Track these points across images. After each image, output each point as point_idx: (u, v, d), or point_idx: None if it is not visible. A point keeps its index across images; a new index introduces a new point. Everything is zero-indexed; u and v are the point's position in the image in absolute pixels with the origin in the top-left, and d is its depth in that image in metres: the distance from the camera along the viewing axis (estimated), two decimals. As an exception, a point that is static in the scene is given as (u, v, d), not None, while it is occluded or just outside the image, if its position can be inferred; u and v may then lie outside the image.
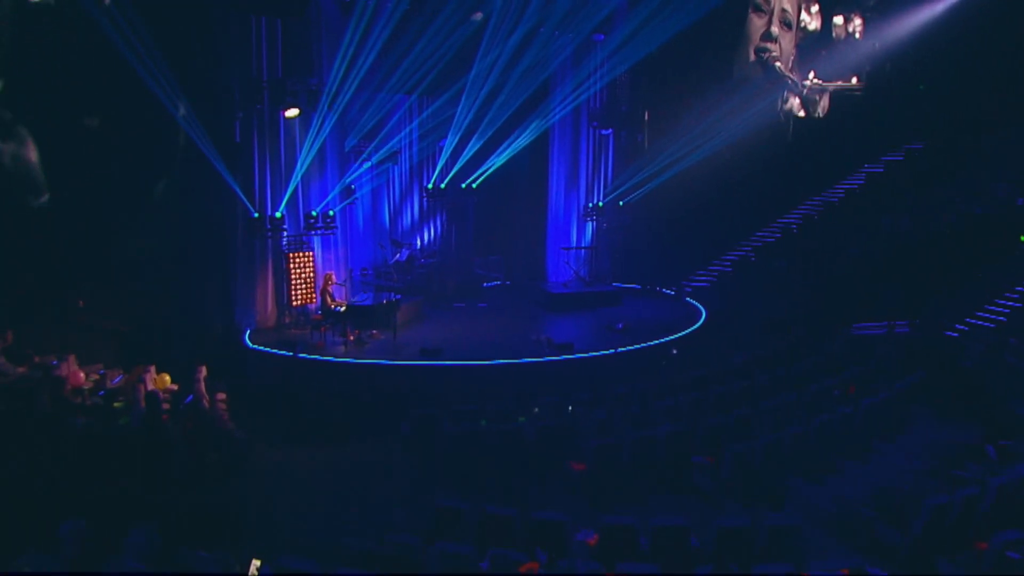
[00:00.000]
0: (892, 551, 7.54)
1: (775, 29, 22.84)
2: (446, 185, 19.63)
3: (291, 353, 13.39)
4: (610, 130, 21.29)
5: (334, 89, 15.07)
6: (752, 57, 22.93)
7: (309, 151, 15.31)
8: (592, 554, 6.79)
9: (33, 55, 12.77)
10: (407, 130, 19.11)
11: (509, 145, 19.35)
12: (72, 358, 11.74)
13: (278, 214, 15.20)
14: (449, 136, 18.52)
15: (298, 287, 15.51)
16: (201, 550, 5.25)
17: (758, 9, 22.65)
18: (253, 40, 14.62)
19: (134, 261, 14.48)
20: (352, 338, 14.24)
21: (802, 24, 23.48)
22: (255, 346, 14.15)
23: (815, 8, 23.58)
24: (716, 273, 22.10)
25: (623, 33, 19.00)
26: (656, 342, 14.89)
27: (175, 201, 14.82)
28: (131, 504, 6.93)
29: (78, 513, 5.05)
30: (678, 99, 22.13)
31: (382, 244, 19.13)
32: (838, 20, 23.83)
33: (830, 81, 24.15)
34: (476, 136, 18.54)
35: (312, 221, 15.78)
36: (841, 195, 24.30)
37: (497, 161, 19.55)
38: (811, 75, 23.86)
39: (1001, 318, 16.48)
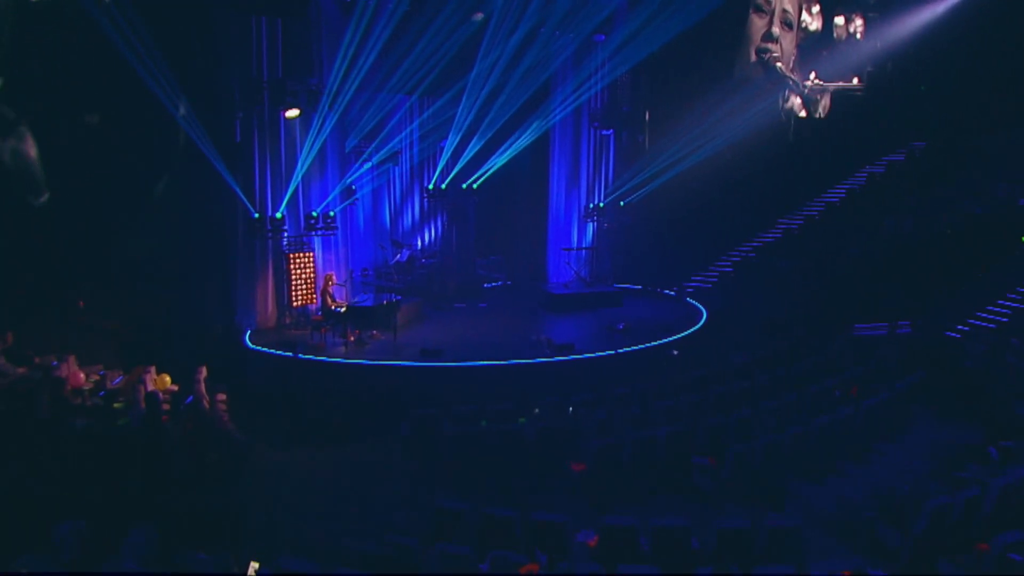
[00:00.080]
0: (893, 552, 7.52)
1: (776, 29, 22.81)
2: (447, 186, 19.61)
3: (291, 354, 13.38)
4: (611, 130, 21.28)
5: (334, 89, 15.07)
6: (753, 57, 22.90)
7: (309, 151, 15.31)
8: (592, 555, 6.77)
9: (33, 55, 12.78)
10: (408, 130, 19.11)
11: (510, 145, 19.34)
12: (72, 359, 11.73)
13: (278, 214, 15.19)
14: (450, 136, 18.51)
15: (298, 288, 15.51)
16: (201, 551, 5.24)
17: (759, 9, 22.62)
18: (253, 40, 14.62)
19: (134, 261, 14.48)
20: (352, 339, 14.23)
21: (803, 24, 23.45)
22: (255, 347, 14.14)
23: (816, 8, 23.55)
24: (717, 274, 22.08)
25: (624, 33, 19.00)
26: (657, 343, 14.88)
27: (175, 201, 14.82)
28: (130, 505, 6.91)
29: (77, 514, 5.04)
30: (679, 99, 22.10)
31: (383, 245, 19.12)
32: (839, 20, 23.80)
33: (831, 81, 24.12)
34: (477, 136, 18.53)
35: (312, 221, 15.77)
36: (842, 195, 24.27)
37: (498, 161, 19.54)
38: (812, 75, 23.83)
39: (1003, 318, 16.44)
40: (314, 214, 15.79)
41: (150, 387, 10.88)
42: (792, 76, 23.30)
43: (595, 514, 7.81)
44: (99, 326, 13.93)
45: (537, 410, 10.85)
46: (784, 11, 22.84)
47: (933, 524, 7.29)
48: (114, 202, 14.24)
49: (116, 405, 10.39)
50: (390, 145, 18.71)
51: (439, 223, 20.61)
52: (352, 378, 13.10)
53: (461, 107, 17.74)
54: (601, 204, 21.28)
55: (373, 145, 18.36)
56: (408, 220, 20.26)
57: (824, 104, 24.22)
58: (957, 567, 6.87)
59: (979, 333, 15.88)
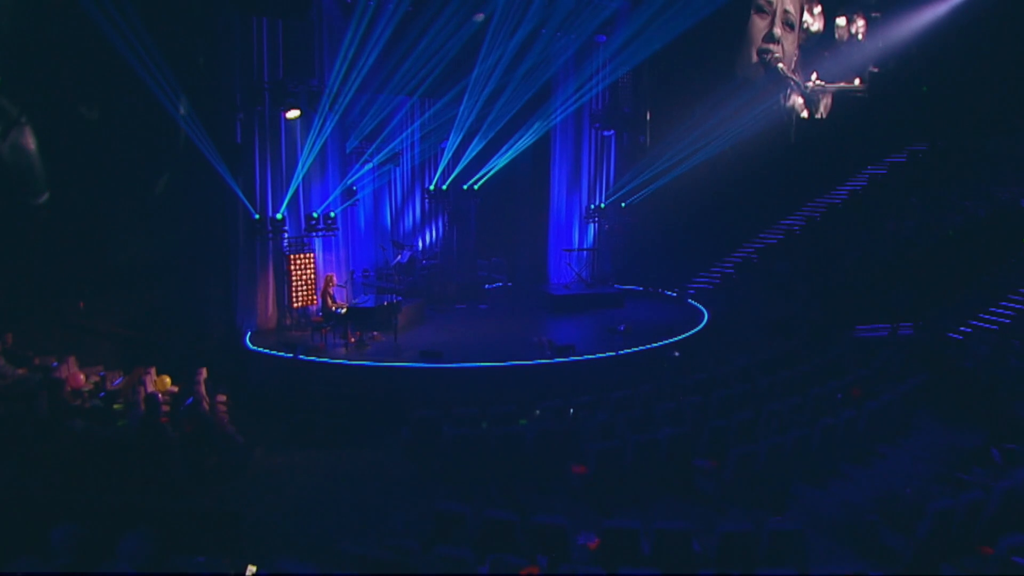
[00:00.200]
0: (896, 556, 7.48)
1: (777, 30, 22.80)
2: (448, 187, 19.60)
3: (292, 355, 13.34)
4: (612, 131, 21.25)
5: (335, 90, 15.06)
6: (754, 58, 22.90)
7: (310, 152, 15.29)
8: (593, 558, 6.75)
9: (32, 55, 12.77)
10: (408, 131, 19.08)
11: (511, 147, 19.33)
12: (72, 360, 11.72)
13: (279, 215, 15.17)
14: (451, 137, 18.49)
15: (299, 289, 15.48)
16: (198, 554, 5.21)
17: (760, 10, 22.62)
18: (254, 41, 14.61)
19: (135, 262, 14.49)
20: (353, 340, 14.20)
21: (805, 25, 23.46)
22: (256, 348, 14.11)
23: (818, 9, 23.57)
24: (718, 275, 22.04)
25: (625, 34, 18.99)
26: (658, 344, 14.83)
27: (176, 202, 14.82)
28: (129, 507, 6.88)
29: (76, 516, 5.01)
30: (680, 100, 22.11)
31: (383, 246, 19.10)
32: (841, 21, 23.81)
33: (833, 82, 24.11)
34: (478, 137, 18.52)
35: (313, 222, 15.75)
36: (844, 197, 24.24)
37: (499, 163, 19.53)
38: (814, 76, 23.83)
39: (1005, 320, 16.39)
40: (315, 215, 15.77)
41: (150, 388, 10.87)
42: (793, 77, 23.29)
43: (596, 517, 7.79)
44: (99, 327, 13.92)
45: (538, 412, 10.81)
46: (786, 12, 22.85)
47: (936, 527, 7.25)
48: (115, 203, 14.24)
49: (116, 406, 10.37)
50: (391, 146, 18.69)
51: (440, 224, 20.59)
52: (352, 379, 13.06)
53: (462, 108, 17.72)
54: (602, 205, 21.25)
55: (374, 146, 18.34)
56: (409, 221, 20.24)
57: (825, 103, 24.22)
58: (960, 570, 6.82)
59: (982, 335, 15.83)
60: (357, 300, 15.34)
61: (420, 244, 20.09)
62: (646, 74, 21.63)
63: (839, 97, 24.44)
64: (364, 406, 12.25)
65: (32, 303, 13.27)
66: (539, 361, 13.49)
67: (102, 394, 11.14)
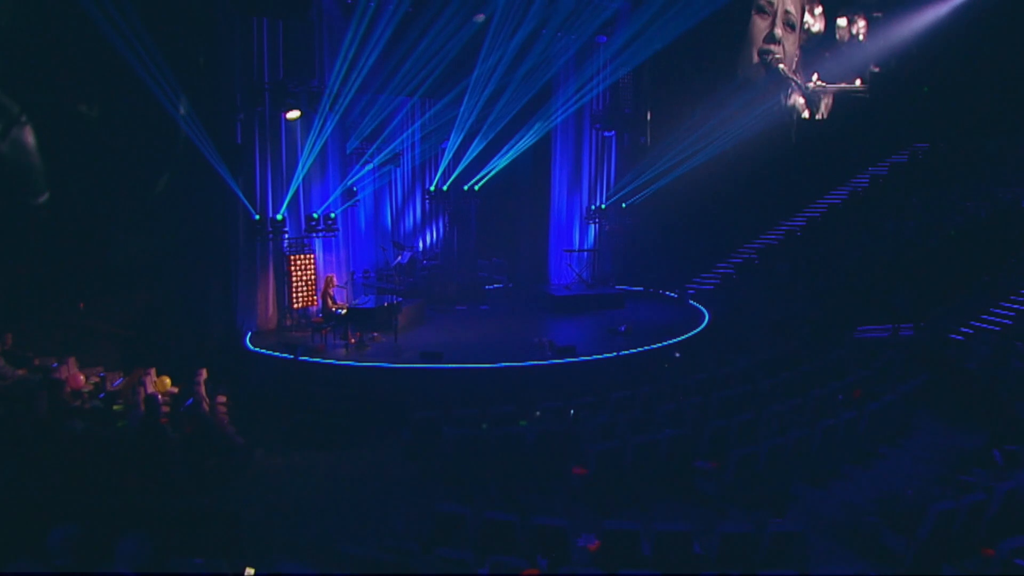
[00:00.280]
0: (897, 557, 7.46)
1: (779, 31, 22.80)
2: (448, 187, 19.59)
3: (292, 356, 13.33)
4: (613, 132, 21.24)
5: (335, 91, 15.05)
6: (755, 59, 22.90)
7: (310, 153, 15.28)
8: (594, 560, 6.73)
9: (33, 54, 12.76)
10: (409, 132, 19.08)
11: (511, 147, 19.33)
12: (72, 360, 11.70)
13: (279, 216, 15.16)
14: (451, 138, 18.49)
15: (299, 289, 15.47)
16: (197, 555, 5.19)
17: (761, 11, 22.62)
18: (255, 41, 14.61)
19: (135, 262, 14.47)
20: (353, 341, 14.19)
21: (806, 26, 23.45)
22: (256, 349, 14.09)
23: (819, 10, 23.56)
24: (719, 276, 22.02)
25: (626, 35, 18.98)
26: (659, 345, 14.82)
27: (176, 203, 14.80)
28: (128, 508, 6.87)
29: (74, 518, 4.99)
30: (681, 101, 22.10)
31: (384, 246, 19.09)
32: (842, 22, 23.80)
33: (834, 83, 24.10)
34: (478, 138, 18.51)
35: (313, 223, 15.74)
36: (845, 197, 24.21)
37: (499, 163, 19.53)
38: (815, 77, 23.82)
39: (1007, 321, 16.35)
40: (315, 216, 15.76)
41: (150, 389, 10.85)
42: (794, 77, 23.28)
43: (596, 518, 7.76)
44: (99, 328, 13.90)
45: (538, 413, 10.80)
46: (787, 12, 22.84)
47: (938, 529, 7.23)
48: (115, 203, 14.23)
49: (116, 407, 10.35)
50: (391, 147, 18.69)
51: (440, 225, 20.58)
52: (353, 380, 13.05)
53: (462, 109, 17.71)
54: (603, 206, 21.24)
55: (374, 146, 18.33)
56: (409, 222, 20.23)
57: (826, 104, 24.21)
58: (961, 572, 6.80)
59: (983, 336, 15.80)
60: (357, 301, 15.33)
61: (420, 245, 20.08)
62: (647, 75, 21.62)
63: (840, 97, 24.42)
64: (364, 407, 12.24)
65: (32, 303, 13.26)
66: (539, 362, 13.47)
67: (102, 395, 11.12)
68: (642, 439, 9.29)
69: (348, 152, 17.30)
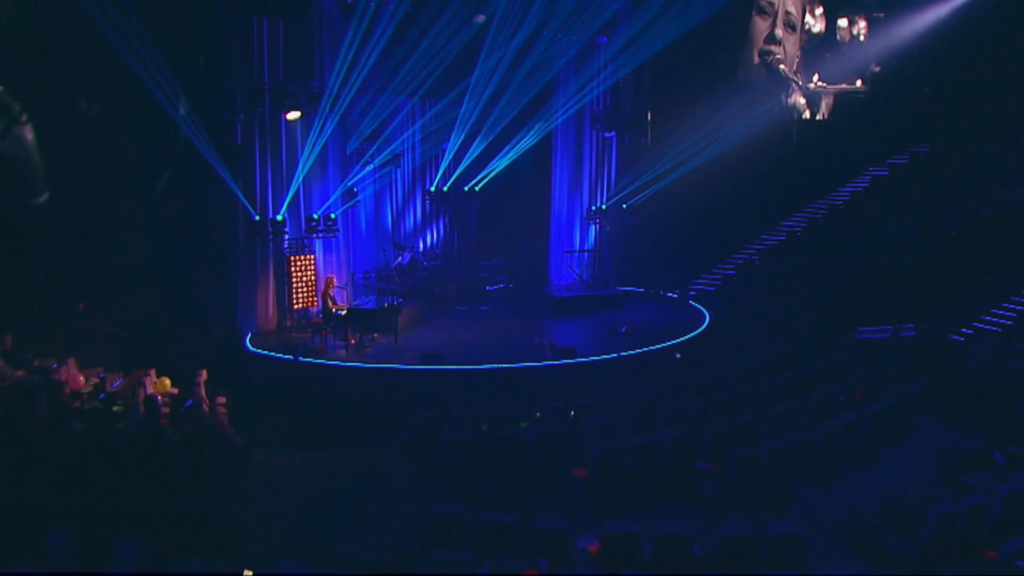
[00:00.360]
0: (898, 559, 7.44)
1: (779, 32, 22.78)
2: (448, 188, 19.58)
3: (292, 357, 13.32)
4: (613, 133, 21.24)
5: (335, 91, 15.05)
6: (756, 60, 22.88)
7: (310, 154, 15.27)
8: (594, 562, 6.70)
9: (33, 54, 12.75)
10: (409, 133, 19.07)
11: (512, 148, 19.32)
12: (72, 361, 11.69)
13: (279, 217, 15.15)
14: (452, 139, 18.48)
15: (299, 290, 15.46)
16: (197, 557, 5.18)
17: (762, 11, 22.60)
18: (255, 42, 14.60)
19: (135, 263, 14.46)
20: (353, 342, 14.18)
21: (806, 26, 23.43)
22: (256, 350, 14.08)
23: (819, 10, 23.54)
24: (720, 277, 22.01)
25: (626, 35, 18.97)
26: (659, 346, 14.80)
27: (176, 203, 14.79)
28: (127, 510, 6.85)
29: (73, 519, 4.98)
30: (682, 102, 22.08)
31: (384, 247, 19.08)
32: (843, 22, 23.78)
33: (834, 83, 24.08)
34: (479, 139, 18.51)
35: (313, 224, 15.73)
36: (846, 198, 24.20)
37: (500, 164, 19.52)
38: (815, 77, 23.80)
39: (1008, 322, 16.34)
40: (315, 216, 15.75)
41: (150, 390, 10.83)
42: (795, 78, 23.27)
43: (597, 520, 7.73)
44: (99, 328, 13.89)
45: (539, 414, 10.78)
46: (787, 13, 22.82)
47: (939, 530, 7.21)
48: (115, 203, 14.22)
49: (115, 408, 10.33)
50: (392, 147, 18.67)
51: (441, 226, 20.57)
52: (353, 381, 13.04)
53: (463, 109, 17.70)
54: (603, 207, 21.23)
55: (374, 147, 18.31)
56: (410, 222, 20.22)
57: (827, 104, 24.19)
58: (964, 574, 6.79)
59: (984, 337, 15.79)
60: (357, 302, 15.33)
61: (421, 245, 20.06)
62: (647, 75, 21.62)
63: (841, 98, 24.40)
64: (364, 408, 12.22)
65: (32, 304, 13.24)
66: (540, 363, 13.45)
67: (102, 396, 11.10)
68: (642, 440, 9.27)
69: (348, 153, 17.29)
